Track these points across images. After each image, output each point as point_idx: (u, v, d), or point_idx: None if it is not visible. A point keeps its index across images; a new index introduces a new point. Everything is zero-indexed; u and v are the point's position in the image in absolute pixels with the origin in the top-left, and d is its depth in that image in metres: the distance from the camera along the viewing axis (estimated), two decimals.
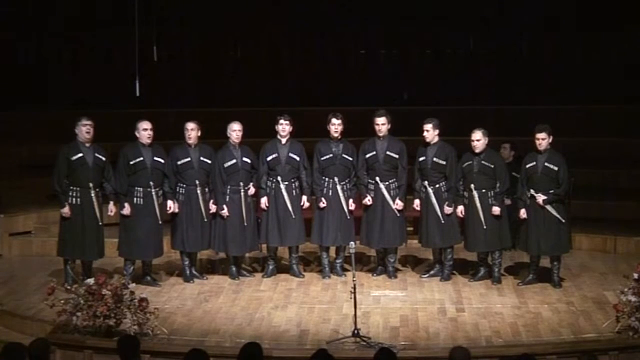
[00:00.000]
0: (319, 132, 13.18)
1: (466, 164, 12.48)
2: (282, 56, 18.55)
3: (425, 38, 18.33)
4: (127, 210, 12.33)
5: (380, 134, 12.67)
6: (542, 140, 12.26)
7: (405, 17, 17.98)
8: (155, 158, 12.41)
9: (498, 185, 12.40)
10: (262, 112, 15.43)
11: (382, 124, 12.67)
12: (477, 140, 12.42)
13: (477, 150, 12.41)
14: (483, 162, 12.41)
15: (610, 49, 17.61)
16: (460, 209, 12.51)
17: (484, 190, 12.40)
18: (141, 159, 12.36)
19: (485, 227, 12.36)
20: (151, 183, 12.35)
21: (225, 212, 12.56)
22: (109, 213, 12.46)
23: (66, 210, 12.22)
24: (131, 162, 12.36)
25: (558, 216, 12.26)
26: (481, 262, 12.66)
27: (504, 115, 16.26)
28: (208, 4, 18.09)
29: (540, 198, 12.22)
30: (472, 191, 12.40)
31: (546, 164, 12.27)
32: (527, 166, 12.37)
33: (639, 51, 17.28)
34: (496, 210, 12.36)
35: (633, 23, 17.17)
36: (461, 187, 12.53)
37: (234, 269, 12.77)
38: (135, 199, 12.36)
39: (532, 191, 12.29)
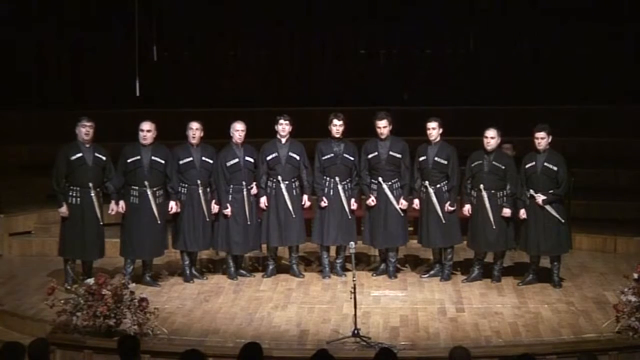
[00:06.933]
0: (319, 132, 13.17)
1: (476, 163, 12.41)
2: (282, 56, 18.53)
3: (425, 38, 18.31)
4: (121, 208, 12.34)
5: (383, 136, 12.66)
6: (542, 139, 12.24)
7: (406, 17, 17.96)
8: (154, 158, 12.37)
9: (509, 187, 12.37)
10: (262, 112, 15.42)
11: (383, 126, 12.65)
12: (492, 138, 12.34)
13: (489, 148, 12.33)
14: (494, 162, 12.35)
15: (612, 48, 17.59)
16: (468, 207, 12.49)
17: (493, 191, 12.35)
18: (138, 157, 12.33)
19: (494, 227, 12.33)
20: (147, 182, 12.32)
21: (228, 211, 12.56)
22: (110, 212, 12.47)
23: (64, 209, 12.21)
24: (128, 161, 12.35)
25: (557, 216, 12.25)
26: (477, 262, 12.63)
27: (504, 115, 16.24)
28: (208, 4, 18.08)
29: (540, 198, 12.21)
30: (481, 191, 12.37)
31: (545, 163, 12.25)
32: (527, 166, 12.34)
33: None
34: (507, 212, 12.32)
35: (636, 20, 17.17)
36: (469, 186, 12.52)
37: (232, 268, 12.77)
38: (131, 197, 12.36)
39: (531, 191, 12.28)
